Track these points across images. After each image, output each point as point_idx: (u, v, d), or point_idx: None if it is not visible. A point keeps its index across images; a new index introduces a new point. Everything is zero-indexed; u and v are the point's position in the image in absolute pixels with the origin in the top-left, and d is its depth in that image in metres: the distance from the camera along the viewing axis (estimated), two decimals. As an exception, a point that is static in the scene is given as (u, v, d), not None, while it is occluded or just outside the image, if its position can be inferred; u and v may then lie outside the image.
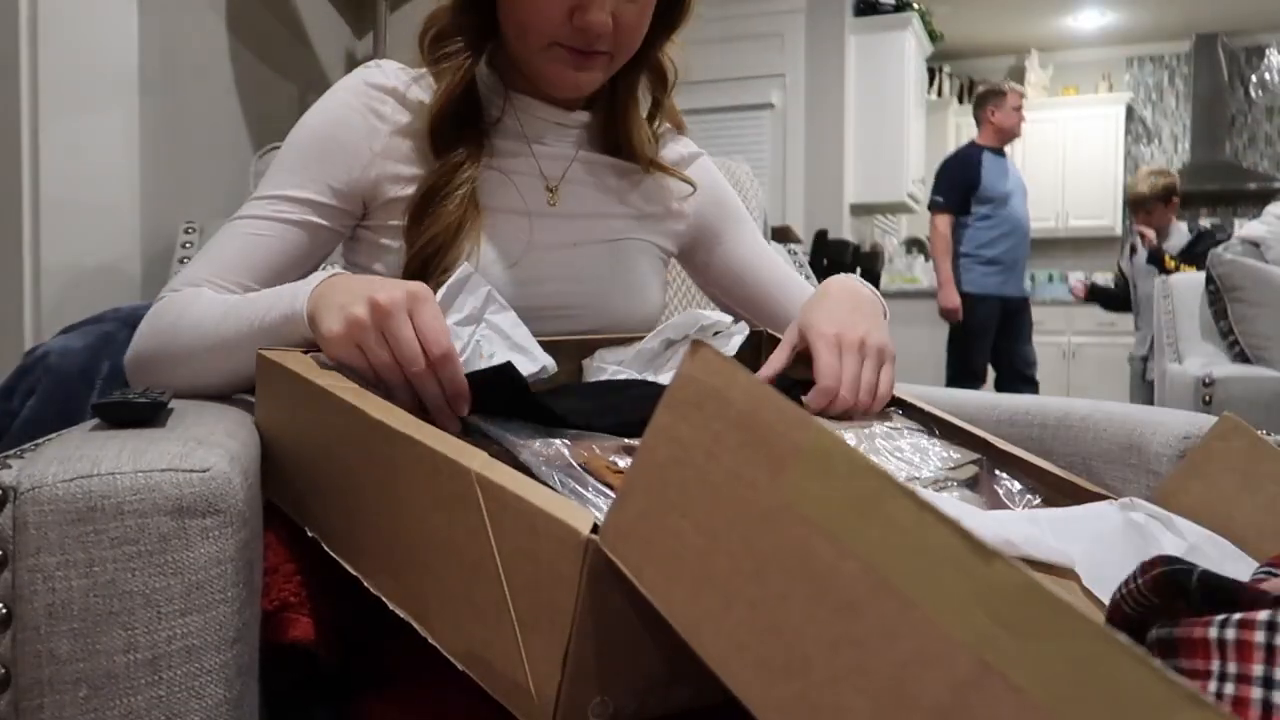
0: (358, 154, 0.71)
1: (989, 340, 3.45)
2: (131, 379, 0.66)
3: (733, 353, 0.74)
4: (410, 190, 0.72)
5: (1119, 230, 5.33)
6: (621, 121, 0.79)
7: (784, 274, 0.90)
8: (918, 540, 0.24)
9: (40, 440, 0.47)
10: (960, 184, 3.33)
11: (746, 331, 0.76)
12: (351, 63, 1.74)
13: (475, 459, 0.41)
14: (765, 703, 0.29)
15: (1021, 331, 3.54)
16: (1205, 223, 5.22)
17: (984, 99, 3.41)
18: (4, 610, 0.42)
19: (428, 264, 0.69)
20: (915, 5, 4.31)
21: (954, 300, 3.36)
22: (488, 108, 0.76)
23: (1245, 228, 2.33)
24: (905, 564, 0.24)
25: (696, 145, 0.90)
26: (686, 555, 0.31)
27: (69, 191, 1.08)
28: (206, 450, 0.45)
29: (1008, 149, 3.46)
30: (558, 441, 0.48)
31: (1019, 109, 3.37)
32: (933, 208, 3.41)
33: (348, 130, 0.71)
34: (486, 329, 0.63)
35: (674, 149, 0.87)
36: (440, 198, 0.70)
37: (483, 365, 0.59)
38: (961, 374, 3.47)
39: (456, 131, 0.72)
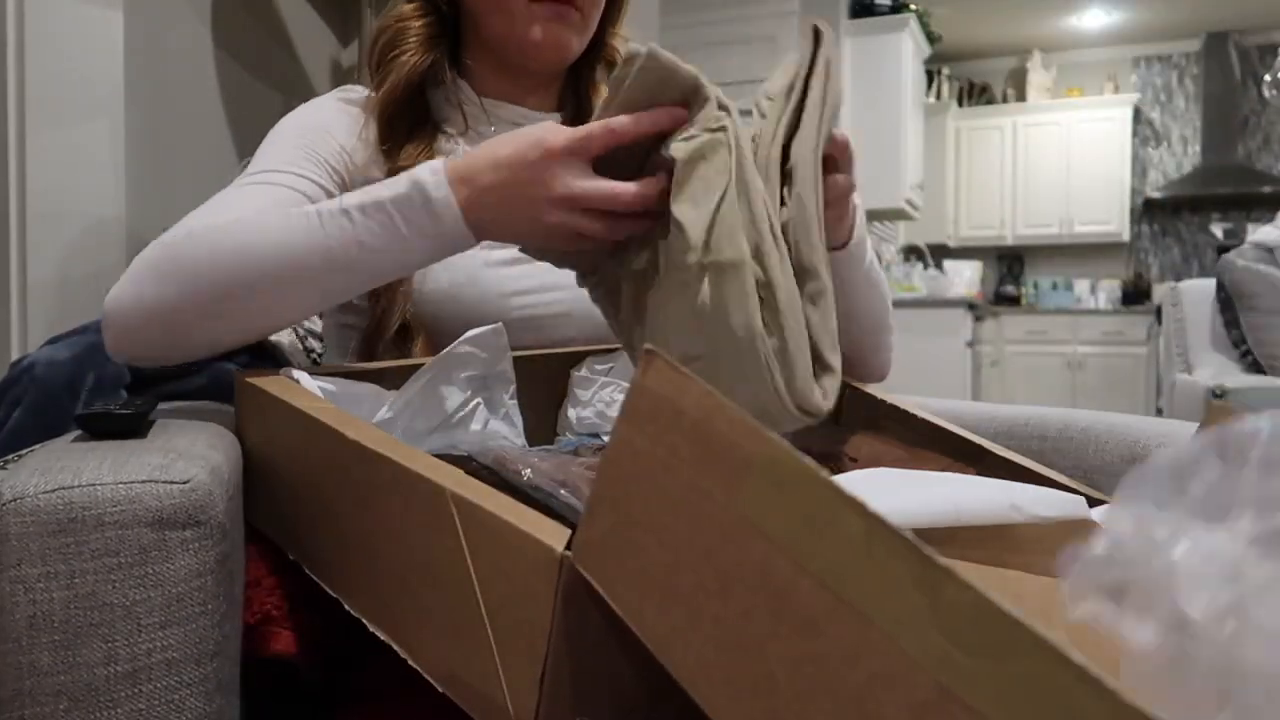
0: (346, 139, 0.72)
1: None
2: (168, 335, 0.56)
3: None
4: None
5: (1126, 236, 5.27)
6: (590, 114, 0.81)
7: None
8: (870, 555, 0.23)
9: (23, 451, 0.48)
10: None
11: None
12: (336, 70, 1.74)
13: (450, 477, 0.41)
14: (734, 721, 0.28)
15: None
16: (1217, 228, 5.15)
17: None
18: (-15, 622, 0.42)
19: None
20: (913, 6, 4.21)
21: None
22: (462, 116, 0.78)
23: (1258, 232, 2.28)
24: (860, 580, 0.24)
25: None
26: (653, 571, 0.31)
27: (55, 203, 1.09)
28: (187, 462, 0.45)
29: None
30: (545, 461, 0.48)
31: None
32: None
33: (334, 120, 0.73)
34: (485, 394, 0.62)
35: None
36: None
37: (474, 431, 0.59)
38: None
39: (406, 135, 0.73)
